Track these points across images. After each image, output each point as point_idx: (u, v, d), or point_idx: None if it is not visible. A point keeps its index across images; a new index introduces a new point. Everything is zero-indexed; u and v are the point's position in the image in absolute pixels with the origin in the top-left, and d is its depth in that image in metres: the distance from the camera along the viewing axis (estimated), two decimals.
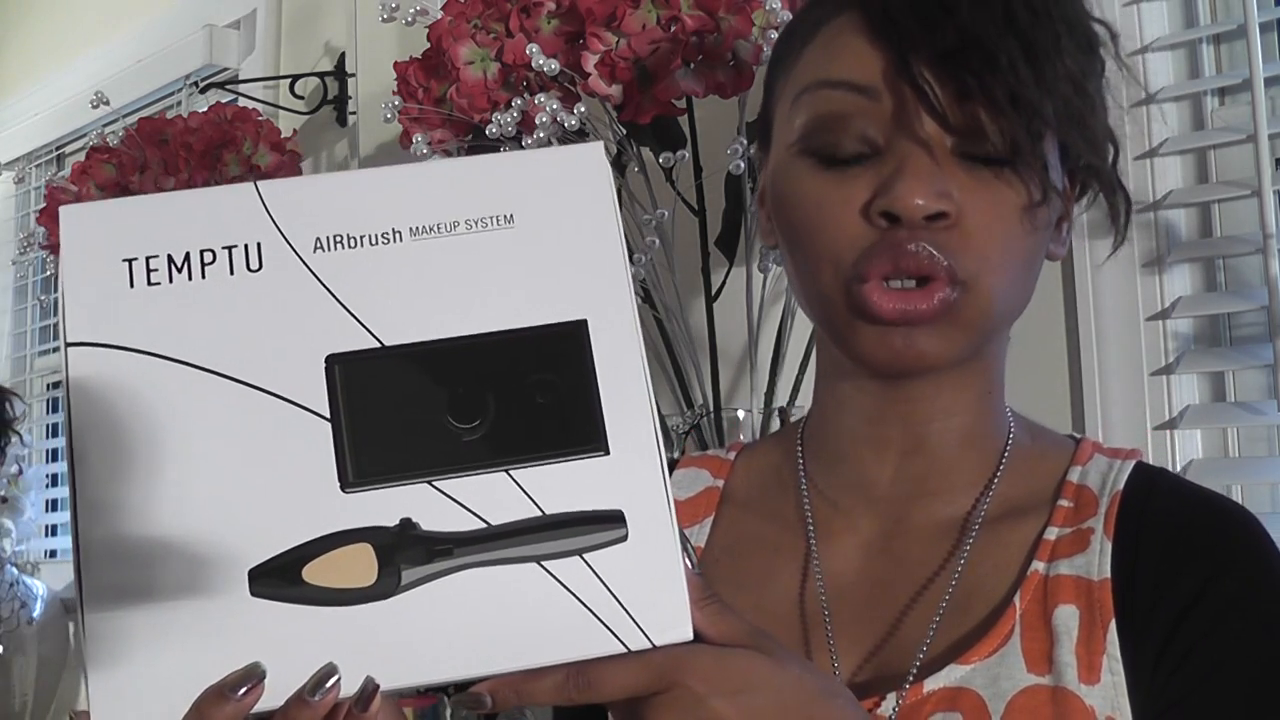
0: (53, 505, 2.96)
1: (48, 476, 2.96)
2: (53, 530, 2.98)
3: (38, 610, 2.46)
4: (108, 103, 2.08)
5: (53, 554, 2.94)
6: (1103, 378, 1.26)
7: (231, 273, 0.51)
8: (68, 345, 0.50)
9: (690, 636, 0.49)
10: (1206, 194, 1.24)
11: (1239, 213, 1.24)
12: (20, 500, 2.76)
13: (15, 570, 2.49)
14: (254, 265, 0.51)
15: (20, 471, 2.69)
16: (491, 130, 1.24)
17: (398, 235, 0.51)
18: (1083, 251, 1.27)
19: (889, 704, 0.67)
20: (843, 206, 0.67)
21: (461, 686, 0.49)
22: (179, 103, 2.56)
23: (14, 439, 2.41)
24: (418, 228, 0.51)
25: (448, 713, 1.54)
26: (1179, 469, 1.21)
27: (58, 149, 3.00)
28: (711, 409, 1.31)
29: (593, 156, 0.52)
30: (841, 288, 0.67)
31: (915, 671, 0.67)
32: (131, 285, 0.50)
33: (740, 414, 1.32)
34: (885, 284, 0.65)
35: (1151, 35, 1.27)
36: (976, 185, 0.66)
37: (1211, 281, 1.27)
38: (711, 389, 1.32)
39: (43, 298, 2.82)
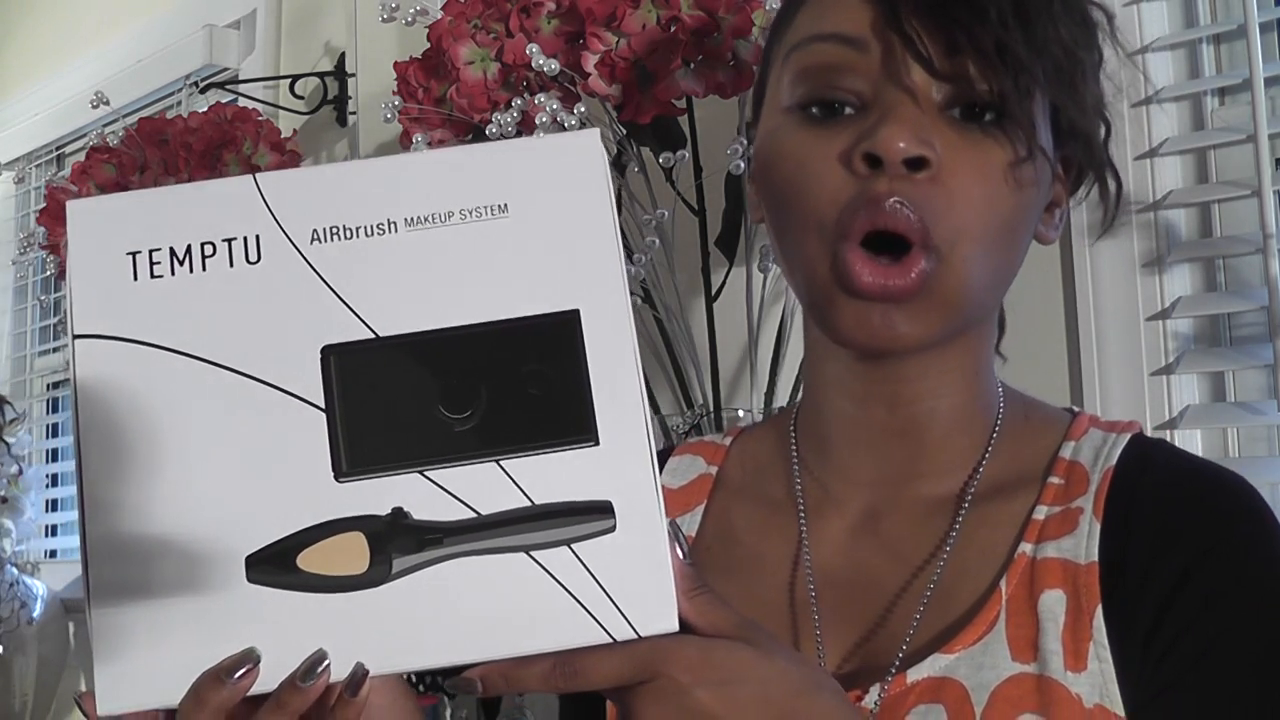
0: (53, 505, 2.96)
1: (48, 476, 2.97)
2: (53, 530, 2.99)
3: (38, 610, 2.47)
4: (108, 103, 2.08)
5: (53, 554, 2.94)
6: (1103, 378, 1.25)
7: (231, 265, 0.51)
8: (74, 337, 0.51)
9: (675, 628, 0.49)
10: (1206, 194, 1.24)
11: (1239, 213, 1.23)
12: (20, 500, 2.76)
13: (15, 570, 2.50)
14: (253, 257, 0.52)
15: (20, 472, 2.70)
16: (491, 130, 1.24)
17: (393, 226, 0.52)
18: (1083, 252, 1.27)
19: (872, 696, 0.65)
20: (824, 160, 0.66)
21: (452, 672, 0.50)
22: (179, 103, 2.56)
23: (4, 448, 2.42)
24: (413, 218, 0.52)
25: (447, 713, 1.54)
26: None
27: (58, 149, 3.00)
28: (711, 409, 1.31)
29: (588, 145, 0.52)
30: (827, 252, 0.65)
31: (899, 661, 0.66)
32: (135, 278, 0.51)
33: (740, 414, 1.32)
34: (867, 253, 0.64)
35: (1151, 35, 1.27)
36: (962, 142, 0.65)
37: (1211, 281, 1.27)
38: (711, 389, 1.32)
39: (43, 298, 2.83)
